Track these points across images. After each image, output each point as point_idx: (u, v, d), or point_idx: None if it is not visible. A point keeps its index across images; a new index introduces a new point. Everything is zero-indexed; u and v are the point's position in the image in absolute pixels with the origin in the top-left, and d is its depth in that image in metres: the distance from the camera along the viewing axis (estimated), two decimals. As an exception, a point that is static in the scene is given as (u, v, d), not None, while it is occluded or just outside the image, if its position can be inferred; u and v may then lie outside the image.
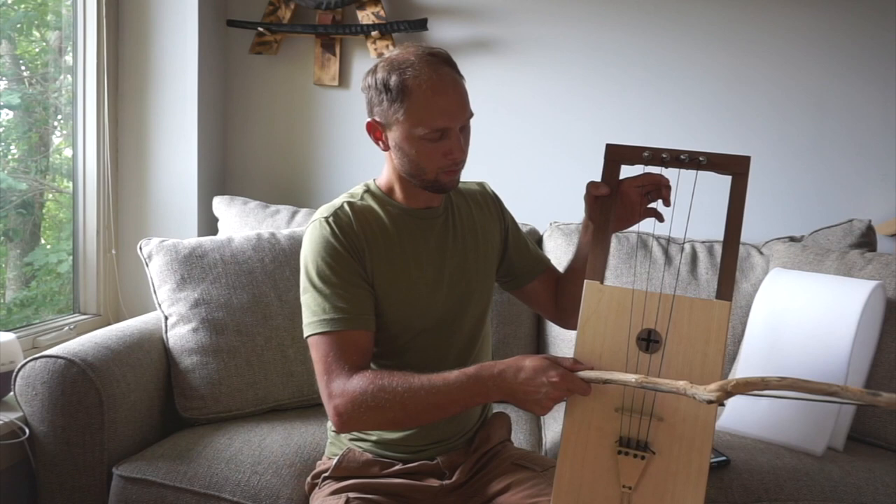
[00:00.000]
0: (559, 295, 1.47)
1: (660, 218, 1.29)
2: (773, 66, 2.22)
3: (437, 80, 1.21)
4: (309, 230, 1.30)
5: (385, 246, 1.30)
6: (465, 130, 1.27)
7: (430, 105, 1.20)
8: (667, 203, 1.25)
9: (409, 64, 1.21)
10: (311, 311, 1.24)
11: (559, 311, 1.48)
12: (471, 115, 1.27)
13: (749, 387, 0.97)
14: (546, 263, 1.52)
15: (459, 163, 1.27)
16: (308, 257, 1.27)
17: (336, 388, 1.19)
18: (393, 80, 1.21)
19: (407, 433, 1.35)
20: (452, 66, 1.26)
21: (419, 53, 1.23)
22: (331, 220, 1.28)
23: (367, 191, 1.36)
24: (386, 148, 1.30)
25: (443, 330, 1.34)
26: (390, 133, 1.26)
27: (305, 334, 1.25)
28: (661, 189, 1.25)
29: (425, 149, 1.23)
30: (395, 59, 1.23)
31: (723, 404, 1.71)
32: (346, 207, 1.30)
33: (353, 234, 1.27)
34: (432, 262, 1.33)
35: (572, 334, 1.35)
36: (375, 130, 1.29)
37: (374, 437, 1.36)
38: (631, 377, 1.05)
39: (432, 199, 1.34)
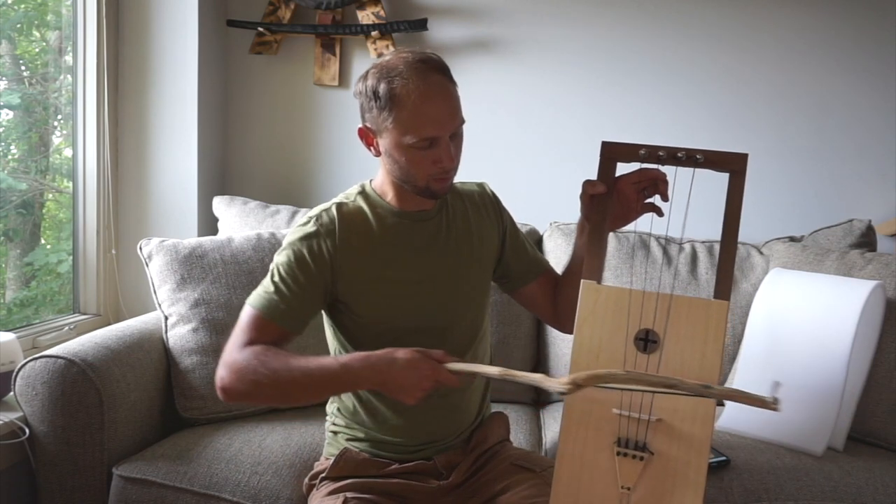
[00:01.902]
0: (557, 298, 1.46)
1: (658, 212, 1.27)
2: (773, 66, 2.22)
3: (424, 88, 1.20)
4: (298, 223, 1.34)
5: (366, 248, 1.31)
6: (455, 137, 1.26)
7: (418, 114, 1.20)
8: (664, 198, 1.24)
9: (397, 72, 1.21)
10: (262, 285, 1.30)
11: (557, 315, 1.47)
12: (462, 121, 1.26)
13: (597, 379, 1.01)
14: (544, 266, 1.50)
15: (449, 171, 1.27)
16: (284, 246, 1.32)
17: (228, 357, 1.23)
18: (381, 87, 1.21)
19: (399, 433, 1.35)
20: (444, 72, 1.25)
21: (409, 60, 1.22)
22: (312, 223, 1.31)
23: (362, 191, 1.37)
24: (378, 154, 1.30)
25: (436, 331, 1.34)
26: (381, 140, 1.27)
27: (246, 301, 1.30)
28: (657, 184, 1.23)
29: (414, 157, 1.23)
30: (385, 66, 1.23)
31: (722, 403, 1.72)
32: (334, 210, 1.33)
33: (329, 241, 1.30)
34: (419, 264, 1.34)
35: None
36: (367, 136, 1.29)
37: (369, 437, 1.37)
38: (494, 370, 1.11)
39: (424, 202, 1.34)
